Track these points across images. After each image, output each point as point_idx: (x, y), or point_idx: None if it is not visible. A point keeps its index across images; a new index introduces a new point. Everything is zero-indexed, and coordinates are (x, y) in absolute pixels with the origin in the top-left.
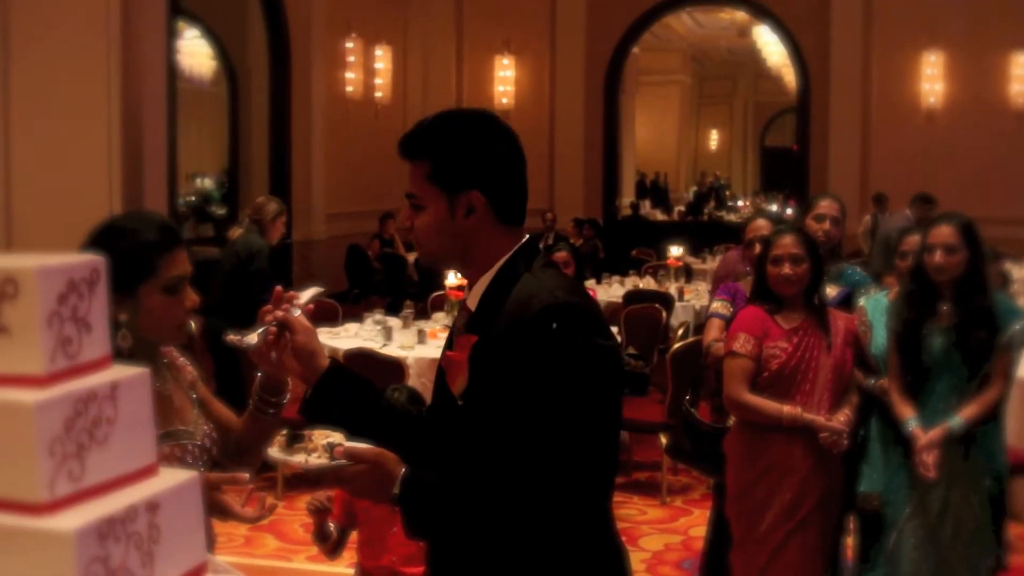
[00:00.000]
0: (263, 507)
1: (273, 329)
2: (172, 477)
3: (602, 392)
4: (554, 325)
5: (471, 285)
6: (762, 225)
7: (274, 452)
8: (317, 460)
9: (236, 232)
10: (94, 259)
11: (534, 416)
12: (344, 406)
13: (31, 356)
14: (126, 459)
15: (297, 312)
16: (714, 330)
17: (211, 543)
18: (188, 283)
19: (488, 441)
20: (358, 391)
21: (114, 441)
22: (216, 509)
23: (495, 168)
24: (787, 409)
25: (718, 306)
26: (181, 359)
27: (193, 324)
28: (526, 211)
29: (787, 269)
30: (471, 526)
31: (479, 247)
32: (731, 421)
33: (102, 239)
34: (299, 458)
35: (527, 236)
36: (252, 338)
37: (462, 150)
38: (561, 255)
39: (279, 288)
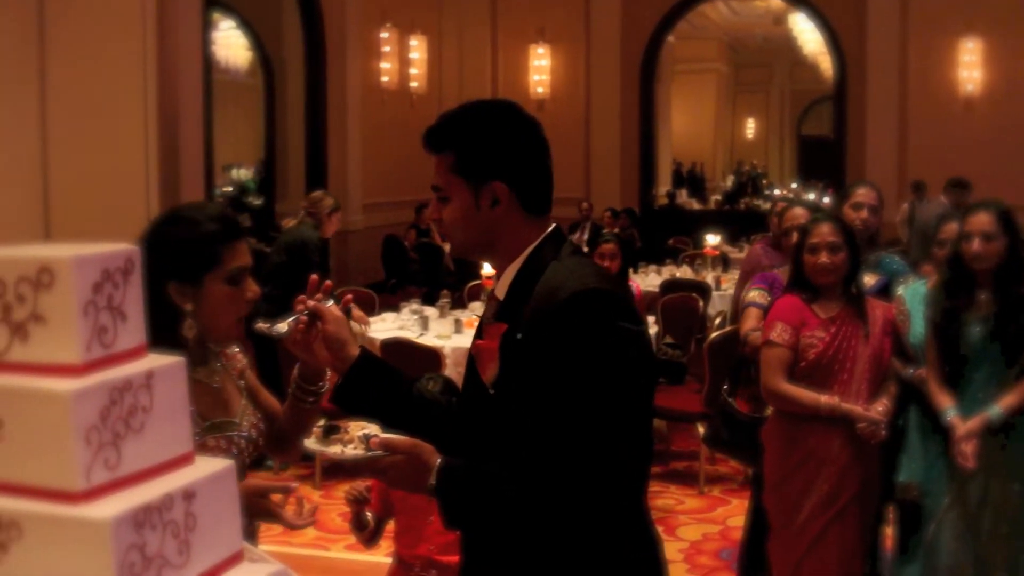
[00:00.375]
0: (310, 514)
1: (304, 318)
2: (208, 466)
3: (633, 378)
4: (583, 311)
5: (499, 275)
6: (799, 214)
7: (310, 443)
8: (353, 451)
9: (289, 223)
10: (128, 248)
11: (565, 403)
12: (375, 395)
13: (67, 345)
14: (162, 447)
15: (330, 302)
16: (751, 319)
17: (254, 534)
18: (248, 274)
19: (520, 430)
20: (389, 380)
21: (150, 430)
22: (264, 513)
23: (518, 158)
24: (825, 399)
25: (755, 295)
26: (232, 347)
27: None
28: (552, 200)
29: (824, 258)
30: (508, 515)
31: (506, 237)
32: (769, 411)
33: (166, 229)
34: (335, 449)
35: (554, 225)
36: (282, 326)
37: (485, 141)
38: (609, 247)
39: (314, 277)
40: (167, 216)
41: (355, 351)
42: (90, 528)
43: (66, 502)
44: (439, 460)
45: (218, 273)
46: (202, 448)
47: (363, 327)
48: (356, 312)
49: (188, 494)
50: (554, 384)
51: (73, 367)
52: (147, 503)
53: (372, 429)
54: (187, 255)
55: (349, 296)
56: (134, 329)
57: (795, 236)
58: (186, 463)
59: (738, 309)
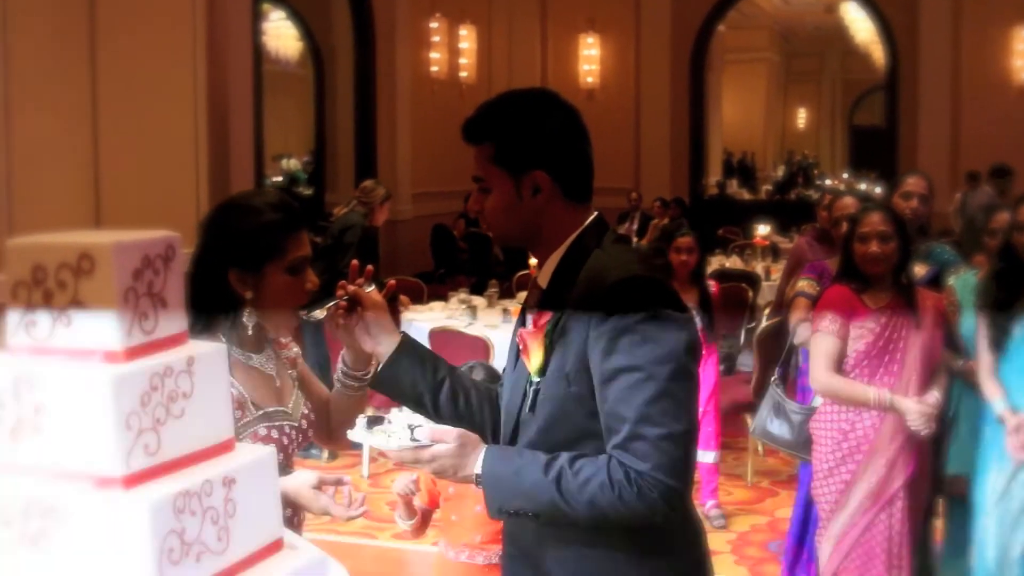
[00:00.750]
0: (359, 504)
1: (342, 303)
2: (249, 453)
3: (679, 364)
4: (628, 298)
5: (541, 263)
6: (848, 203)
7: (354, 434)
8: (398, 441)
9: (340, 211)
10: (169, 235)
11: (610, 390)
12: (414, 381)
13: (107, 331)
14: (203, 434)
15: (371, 288)
16: (800, 309)
17: (298, 522)
18: (308, 265)
19: (565, 418)
20: (429, 366)
21: (190, 416)
22: (316, 505)
23: (558, 146)
24: (874, 391)
25: (804, 285)
26: (284, 337)
27: None
28: (592, 187)
29: (875, 247)
30: (552, 505)
31: (548, 225)
32: (818, 401)
33: (228, 217)
34: (380, 439)
35: (596, 213)
36: (319, 311)
37: (524, 130)
38: (686, 240)
39: (355, 262)
40: (229, 204)
41: (396, 337)
42: (129, 513)
43: (106, 487)
44: (484, 449)
45: (279, 263)
46: (253, 436)
47: (403, 308)
48: (401, 297)
49: (228, 480)
50: (599, 371)
51: (113, 353)
52: (186, 489)
53: (416, 419)
54: (250, 244)
55: (393, 282)
56: (175, 316)
57: (845, 226)
58: (226, 450)
59: (782, 301)
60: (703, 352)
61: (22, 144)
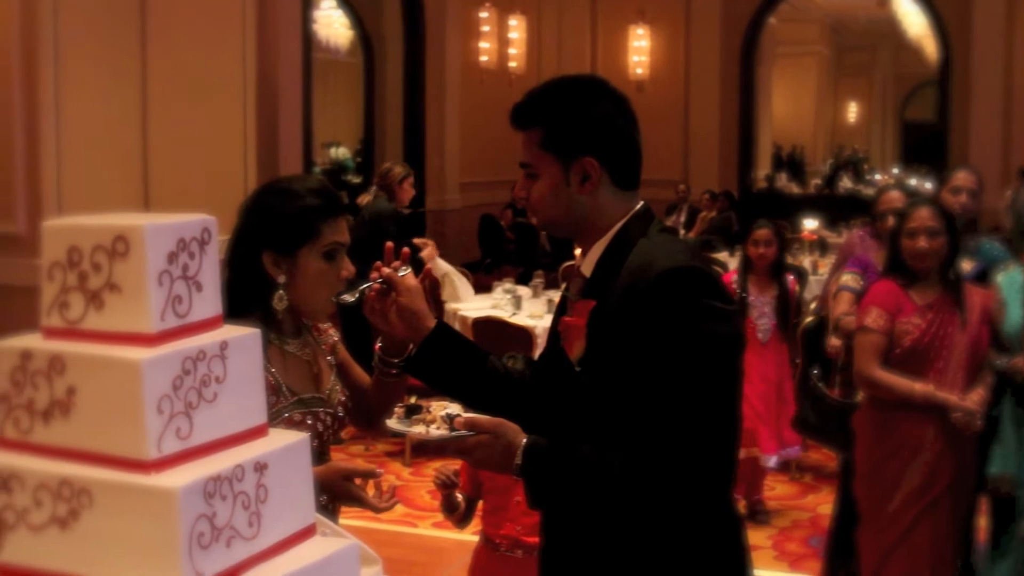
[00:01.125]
0: (391, 497)
1: (377, 286)
2: (282, 438)
3: (723, 356)
4: (674, 288)
5: (585, 252)
6: (895, 197)
7: (392, 423)
8: (437, 431)
9: (365, 199)
10: (205, 218)
11: (655, 381)
12: (449, 368)
13: (141, 314)
14: (235, 419)
15: (406, 270)
16: (844, 304)
17: (334, 509)
18: (344, 252)
19: (607, 408)
20: (464, 353)
21: (223, 400)
22: (346, 496)
23: (609, 132)
24: (919, 387)
25: (848, 279)
26: (324, 322)
27: None
28: (640, 175)
29: (923, 242)
30: (593, 496)
31: (595, 213)
32: (860, 397)
33: (266, 198)
34: (419, 429)
35: (643, 202)
36: (349, 296)
37: (575, 115)
38: (763, 233)
39: (389, 245)
40: (268, 186)
41: (431, 323)
42: (159, 497)
43: (136, 471)
44: (524, 440)
45: (314, 247)
46: (287, 422)
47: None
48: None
49: (260, 466)
50: (644, 362)
51: (146, 336)
52: (217, 473)
53: (454, 408)
54: (285, 226)
55: (407, 251)
56: (210, 299)
57: (890, 220)
58: (259, 435)
59: (827, 295)
60: (772, 352)
61: (71, 130)
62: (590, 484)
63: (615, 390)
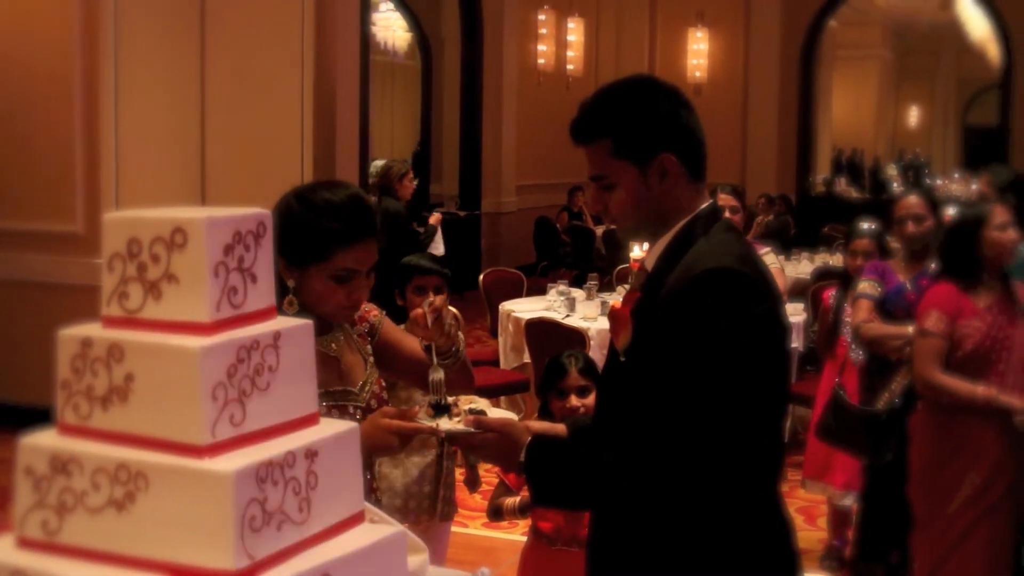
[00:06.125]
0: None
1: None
2: (332, 427)
3: (756, 360)
4: (711, 290)
5: (651, 247)
6: (913, 203)
7: (420, 417)
8: (447, 426)
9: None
10: (261, 212)
11: (678, 379)
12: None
13: (197, 304)
14: (287, 407)
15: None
16: (862, 311)
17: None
18: (364, 276)
19: (640, 396)
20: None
21: (275, 389)
22: (384, 448)
23: (677, 125)
24: (982, 390)
25: (866, 286)
26: (365, 304)
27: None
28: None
29: (1012, 234)
30: (594, 492)
31: (674, 208)
32: (881, 403)
33: (293, 205)
34: (430, 423)
35: (711, 200)
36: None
37: (641, 117)
38: (863, 243)
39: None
40: (299, 192)
41: (520, 456)
42: (213, 481)
43: (191, 455)
44: (529, 438)
45: (324, 268)
46: None
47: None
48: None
49: (311, 452)
50: (673, 359)
51: (202, 325)
52: (269, 459)
53: (480, 404)
54: (296, 241)
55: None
56: (264, 291)
57: (909, 226)
58: (310, 423)
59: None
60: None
61: (130, 132)
62: (586, 483)
63: (648, 381)
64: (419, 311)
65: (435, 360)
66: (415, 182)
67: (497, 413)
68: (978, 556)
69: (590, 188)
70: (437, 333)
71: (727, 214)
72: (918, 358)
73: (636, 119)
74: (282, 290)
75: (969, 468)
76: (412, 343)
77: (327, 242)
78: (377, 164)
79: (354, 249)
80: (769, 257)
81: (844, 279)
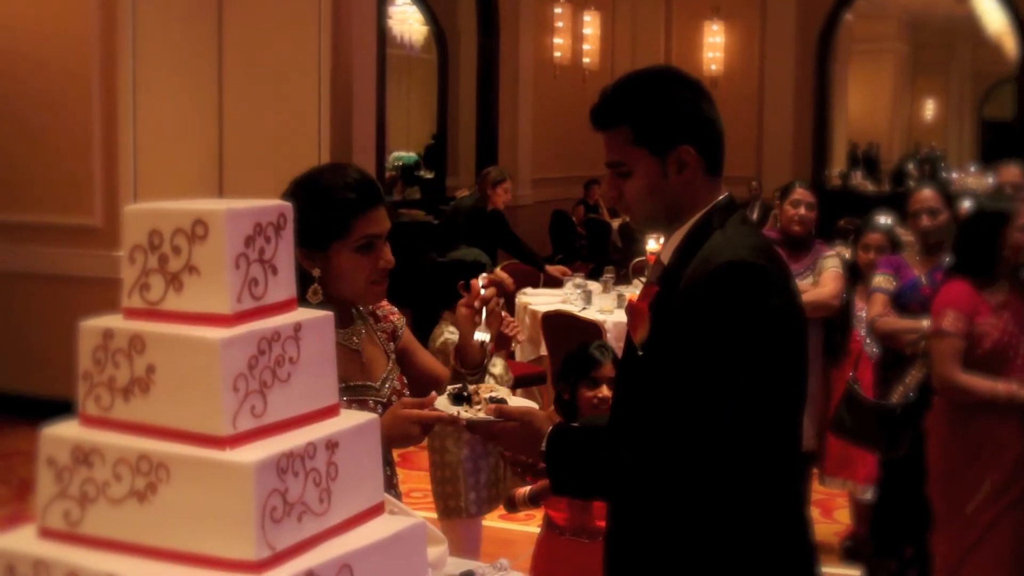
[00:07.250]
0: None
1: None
2: (353, 418)
3: (773, 354)
4: (729, 283)
5: (667, 239)
6: (928, 196)
7: (439, 403)
8: (467, 414)
9: (461, 193)
10: (281, 204)
11: (693, 372)
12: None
13: (218, 295)
14: (308, 398)
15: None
16: (877, 305)
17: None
18: (384, 242)
19: (656, 390)
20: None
21: (296, 380)
22: (404, 438)
23: (697, 117)
24: (1003, 387)
25: (881, 280)
26: (388, 307)
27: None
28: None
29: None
30: (608, 482)
31: (690, 201)
32: (895, 397)
33: (300, 193)
34: (452, 410)
35: (727, 193)
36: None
37: (663, 107)
38: (875, 237)
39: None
40: (302, 180)
41: (541, 445)
42: (234, 472)
43: (212, 446)
44: (551, 427)
45: (347, 242)
46: None
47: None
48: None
49: (331, 444)
50: (691, 353)
51: (224, 317)
52: (290, 450)
53: (501, 392)
54: (313, 224)
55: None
56: (284, 282)
57: (924, 219)
58: (331, 415)
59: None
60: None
61: (148, 126)
62: (603, 471)
63: (665, 374)
64: (465, 309)
65: (488, 355)
66: (509, 194)
67: (517, 402)
68: (999, 552)
69: (606, 175)
70: (493, 324)
71: (802, 210)
72: (937, 359)
73: (657, 108)
74: (301, 282)
75: (989, 467)
76: (426, 356)
77: (345, 214)
78: (397, 155)
79: (370, 215)
80: (831, 260)
81: (854, 273)
